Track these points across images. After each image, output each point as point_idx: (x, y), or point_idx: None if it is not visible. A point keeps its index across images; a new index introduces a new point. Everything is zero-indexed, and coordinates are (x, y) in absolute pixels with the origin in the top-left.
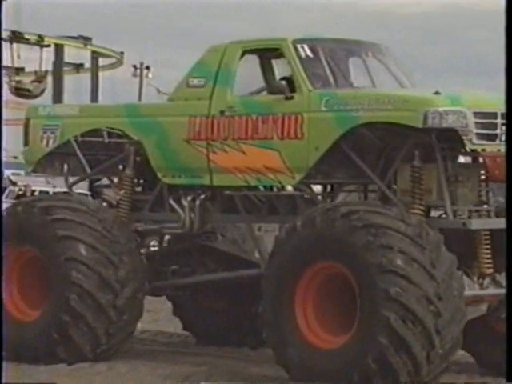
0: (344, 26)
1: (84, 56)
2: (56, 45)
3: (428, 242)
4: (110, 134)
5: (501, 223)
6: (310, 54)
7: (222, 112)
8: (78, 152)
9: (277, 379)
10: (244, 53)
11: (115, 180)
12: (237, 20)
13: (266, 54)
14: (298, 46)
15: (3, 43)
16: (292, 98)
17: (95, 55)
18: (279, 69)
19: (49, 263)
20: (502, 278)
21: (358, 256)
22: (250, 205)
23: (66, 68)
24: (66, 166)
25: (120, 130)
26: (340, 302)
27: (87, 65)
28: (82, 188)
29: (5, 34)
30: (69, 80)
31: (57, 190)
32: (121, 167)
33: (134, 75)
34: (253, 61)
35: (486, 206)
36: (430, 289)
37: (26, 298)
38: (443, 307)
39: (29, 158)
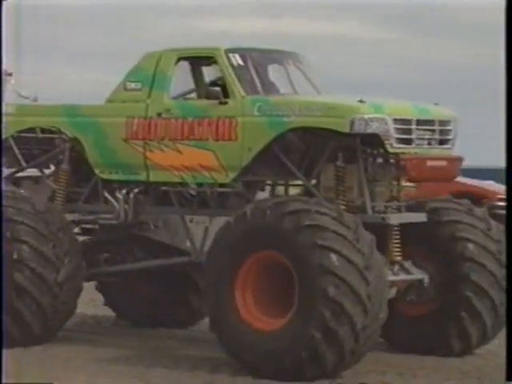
0: None
1: None
2: None
3: (363, 243)
4: (43, 131)
5: (412, 217)
6: (240, 62)
7: (159, 114)
8: (14, 147)
9: (205, 358)
10: (179, 59)
11: (46, 172)
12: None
13: (199, 61)
14: (230, 54)
15: None
16: (226, 103)
17: None
18: (209, 75)
19: None
20: (409, 266)
21: (301, 253)
22: (182, 199)
23: None
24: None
25: (57, 128)
26: (277, 288)
27: None
28: None
29: None
30: None
31: None
32: (55, 162)
33: None
34: (186, 67)
35: (396, 202)
36: (362, 290)
37: None
38: (371, 305)
39: None
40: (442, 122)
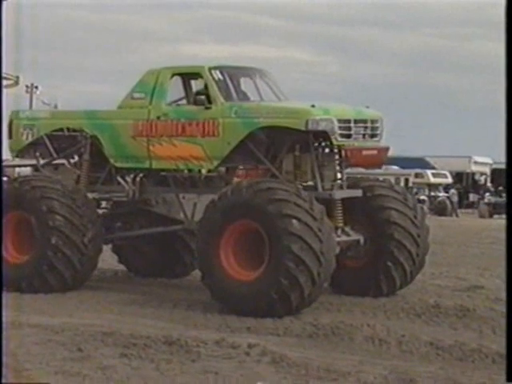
0: None
1: None
2: None
3: (316, 212)
4: (68, 130)
5: (352, 193)
6: (220, 76)
7: (158, 117)
8: (48, 142)
9: (198, 301)
10: (173, 75)
11: (71, 161)
12: None
13: (189, 76)
14: (212, 71)
15: None
16: (210, 108)
17: None
18: (196, 86)
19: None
20: (348, 230)
21: (271, 220)
22: (177, 181)
23: None
24: (37, 153)
25: (79, 128)
26: (251, 248)
27: None
28: None
29: None
30: None
31: None
32: (79, 153)
33: (27, 92)
34: (178, 80)
35: (340, 182)
36: (317, 246)
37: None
38: (323, 258)
39: (13, 147)
40: (373, 121)
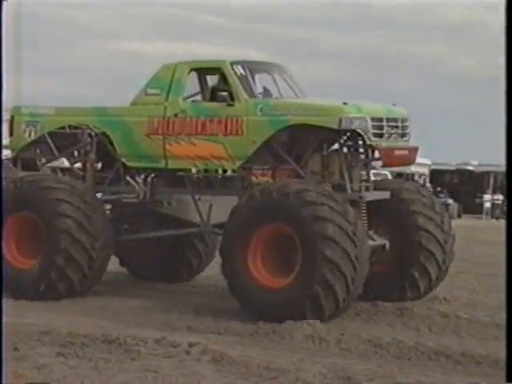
0: None
1: None
2: None
3: (351, 215)
4: (70, 128)
5: (381, 195)
6: (243, 72)
7: (175, 114)
8: (49, 140)
9: (141, 299)
10: (191, 70)
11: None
12: None
13: (207, 71)
14: (234, 66)
15: None
16: (233, 105)
17: None
18: (211, 81)
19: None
20: (372, 234)
21: (304, 224)
22: (192, 182)
23: None
24: (38, 151)
25: (86, 125)
26: (281, 253)
27: None
28: None
29: None
30: None
31: None
32: (84, 152)
33: None
34: (194, 75)
35: (367, 183)
36: (352, 251)
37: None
38: (358, 263)
39: (13, 145)
40: (403, 120)
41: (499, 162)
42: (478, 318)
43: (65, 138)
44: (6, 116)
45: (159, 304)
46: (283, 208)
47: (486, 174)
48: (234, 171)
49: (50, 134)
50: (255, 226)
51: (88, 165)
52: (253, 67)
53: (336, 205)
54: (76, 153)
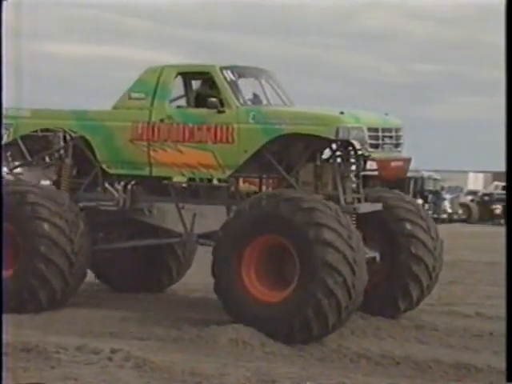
0: None
1: None
2: None
3: (344, 220)
4: (47, 131)
5: (374, 207)
6: (232, 77)
7: (161, 120)
8: (21, 143)
9: (64, 306)
10: (178, 74)
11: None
12: None
13: (194, 75)
14: (224, 71)
15: None
16: (223, 111)
17: None
18: (195, 85)
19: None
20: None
21: (299, 231)
22: (176, 190)
23: None
24: (8, 154)
25: (63, 129)
26: (275, 266)
27: None
28: None
29: None
30: None
31: None
32: (58, 157)
33: None
34: (179, 79)
35: (357, 195)
36: (350, 254)
37: None
38: (357, 266)
39: None
40: (397, 129)
41: (419, 167)
42: (397, 320)
43: (37, 142)
44: None
45: (82, 312)
46: (276, 217)
47: (407, 178)
48: (220, 180)
49: (22, 137)
50: (247, 240)
51: (63, 170)
52: (242, 72)
53: (329, 210)
54: (48, 158)
